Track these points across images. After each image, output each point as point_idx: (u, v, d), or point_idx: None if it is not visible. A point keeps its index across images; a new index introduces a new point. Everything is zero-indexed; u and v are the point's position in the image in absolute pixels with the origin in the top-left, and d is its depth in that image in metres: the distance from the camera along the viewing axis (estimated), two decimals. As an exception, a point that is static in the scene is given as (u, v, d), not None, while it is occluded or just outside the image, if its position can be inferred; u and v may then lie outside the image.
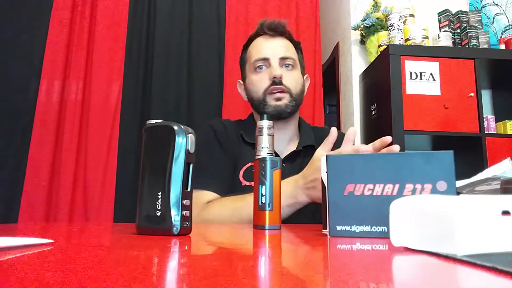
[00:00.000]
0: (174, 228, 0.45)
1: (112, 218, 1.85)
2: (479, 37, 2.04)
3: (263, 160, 0.61)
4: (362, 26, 2.21)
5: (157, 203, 0.46)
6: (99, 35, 2.04)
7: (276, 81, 0.97)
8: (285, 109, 0.98)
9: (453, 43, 2.08)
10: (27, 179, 1.83)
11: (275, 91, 0.98)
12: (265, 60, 1.00)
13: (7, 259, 0.28)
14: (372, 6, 2.20)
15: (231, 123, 1.09)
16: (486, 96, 2.27)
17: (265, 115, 0.68)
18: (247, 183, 0.96)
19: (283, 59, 1.00)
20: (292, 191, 0.79)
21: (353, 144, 0.80)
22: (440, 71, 1.89)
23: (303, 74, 1.08)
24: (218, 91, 2.07)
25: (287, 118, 1.01)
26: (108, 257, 0.32)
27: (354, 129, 0.79)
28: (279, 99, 0.98)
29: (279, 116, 0.98)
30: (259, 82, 1.00)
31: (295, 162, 0.99)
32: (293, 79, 1.00)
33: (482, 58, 1.93)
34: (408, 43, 2.00)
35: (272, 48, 1.01)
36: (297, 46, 1.07)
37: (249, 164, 0.98)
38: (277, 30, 1.02)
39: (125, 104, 2.00)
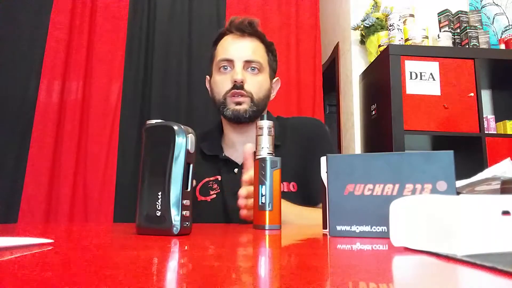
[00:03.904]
0: (174, 228, 0.45)
1: (112, 218, 1.85)
2: (479, 37, 2.03)
3: (263, 160, 0.61)
4: (362, 26, 2.21)
5: (157, 203, 0.46)
6: (99, 35, 2.04)
7: (237, 85, 0.94)
8: (244, 115, 0.94)
9: (453, 43, 2.08)
10: (27, 179, 1.83)
11: (235, 95, 0.94)
12: (229, 61, 0.96)
13: (7, 259, 0.28)
14: (372, 6, 2.20)
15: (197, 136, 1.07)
16: (486, 96, 2.27)
17: (264, 115, 0.67)
18: (203, 198, 0.94)
19: (248, 62, 0.96)
20: None
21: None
22: (440, 71, 1.89)
23: (272, 77, 1.03)
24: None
25: (248, 122, 0.97)
26: (108, 257, 0.32)
27: (249, 145, 0.75)
28: (239, 103, 0.94)
29: (237, 121, 0.96)
30: (221, 83, 0.96)
31: None
32: (256, 84, 0.96)
33: (482, 58, 1.93)
34: (408, 43, 2.00)
35: (238, 49, 0.96)
36: (269, 47, 1.02)
37: (206, 179, 0.96)
38: (245, 30, 0.97)
39: (125, 104, 2.00)
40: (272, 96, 1.05)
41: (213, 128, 1.07)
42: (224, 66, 0.97)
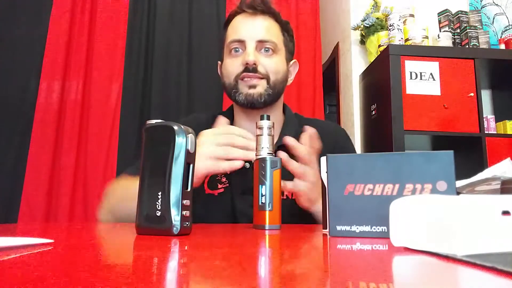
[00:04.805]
0: (174, 228, 0.45)
1: (112, 218, 1.85)
2: (479, 37, 2.04)
3: (263, 160, 0.61)
4: (362, 26, 2.21)
5: (157, 203, 0.46)
6: (99, 35, 2.04)
7: (249, 68, 0.85)
8: (258, 99, 0.86)
9: (453, 43, 2.08)
10: (27, 179, 1.83)
11: (248, 77, 0.86)
12: (241, 42, 0.87)
13: (7, 259, 0.28)
14: (372, 6, 2.21)
15: (208, 119, 0.96)
16: (486, 96, 2.28)
17: (265, 115, 0.67)
18: (210, 192, 0.87)
19: (261, 42, 0.87)
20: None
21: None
22: (440, 71, 1.89)
23: (289, 60, 0.95)
24: (218, 91, 2.07)
25: (262, 108, 0.88)
26: (108, 257, 0.32)
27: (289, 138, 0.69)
28: (253, 87, 0.86)
29: (251, 106, 0.87)
30: (231, 66, 0.88)
31: None
32: (272, 65, 0.87)
33: (482, 58, 1.93)
34: (408, 43, 2.00)
35: (249, 29, 0.88)
36: (284, 26, 0.94)
37: None
38: (257, 8, 0.89)
39: (125, 104, 2.01)
40: (290, 80, 0.96)
41: (224, 114, 0.98)
42: (235, 48, 0.88)
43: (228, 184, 0.88)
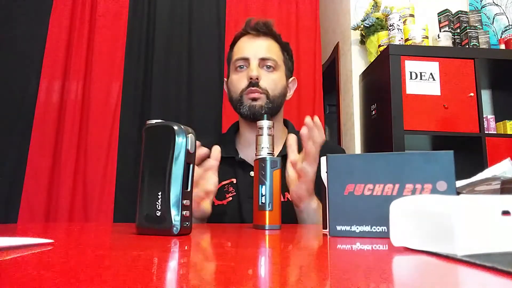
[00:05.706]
0: (174, 228, 0.45)
1: (112, 218, 1.85)
2: (479, 37, 2.03)
3: (263, 160, 0.61)
4: (362, 26, 2.21)
5: (157, 203, 0.46)
6: (99, 35, 2.04)
7: (252, 82, 0.95)
8: (259, 110, 0.95)
9: (453, 43, 2.08)
10: (27, 179, 1.83)
11: (251, 92, 0.96)
12: (245, 60, 0.99)
13: (7, 259, 0.28)
14: (372, 6, 2.20)
15: (210, 140, 1.02)
16: (486, 96, 2.27)
17: (265, 115, 0.68)
18: (220, 203, 0.94)
19: (263, 59, 0.98)
20: None
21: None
22: (440, 71, 1.89)
23: (288, 77, 1.06)
24: (218, 91, 2.07)
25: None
26: (108, 257, 0.32)
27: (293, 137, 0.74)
28: (254, 100, 0.96)
29: (253, 117, 0.96)
30: (238, 82, 0.99)
31: None
32: (272, 81, 0.98)
33: (482, 58, 1.93)
34: (408, 43, 2.00)
35: (253, 48, 0.99)
36: (284, 47, 1.05)
37: (221, 183, 0.94)
38: (260, 30, 1.00)
39: (125, 104, 2.01)
40: (289, 95, 1.07)
41: (228, 131, 1.09)
42: (240, 65, 0.99)
43: (235, 193, 0.95)
